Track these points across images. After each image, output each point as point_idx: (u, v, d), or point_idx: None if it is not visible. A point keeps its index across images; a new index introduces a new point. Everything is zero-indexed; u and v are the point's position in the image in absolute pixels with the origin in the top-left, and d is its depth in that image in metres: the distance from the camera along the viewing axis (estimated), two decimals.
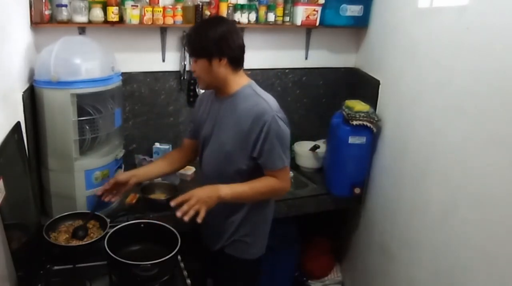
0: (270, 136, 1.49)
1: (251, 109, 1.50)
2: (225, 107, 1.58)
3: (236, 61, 1.54)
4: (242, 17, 2.24)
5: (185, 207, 1.43)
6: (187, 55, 2.29)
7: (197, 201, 1.45)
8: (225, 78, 1.54)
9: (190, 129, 1.81)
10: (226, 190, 1.50)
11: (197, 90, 2.36)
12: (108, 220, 1.69)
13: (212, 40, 1.47)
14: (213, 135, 1.62)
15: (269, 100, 1.54)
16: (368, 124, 2.15)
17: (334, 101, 2.46)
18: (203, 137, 1.66)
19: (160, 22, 2.10)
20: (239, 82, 1.56)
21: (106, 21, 2.02)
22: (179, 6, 2.12)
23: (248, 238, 1.68)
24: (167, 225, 1.57)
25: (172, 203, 1.46)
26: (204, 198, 1.46)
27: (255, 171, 1.56)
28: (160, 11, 2.08)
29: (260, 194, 1.58)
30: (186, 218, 1.42)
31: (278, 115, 1.50)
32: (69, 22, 1.98)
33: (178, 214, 1.43)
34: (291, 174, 2.42)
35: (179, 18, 2.13)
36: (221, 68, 1.51)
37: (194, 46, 1.53)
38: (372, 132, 2.18)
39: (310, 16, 2.34)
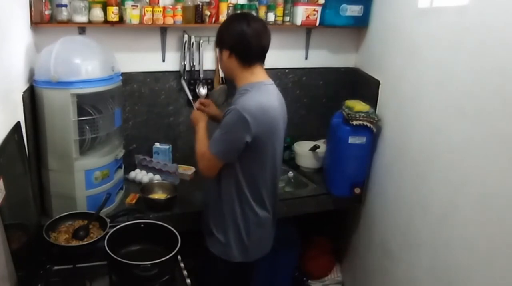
0: (222, 122, 1.56)
1: (232, 103, 1.58)
2: (232, 100, 1.64)
3: (245, 58, 1.58)
4: None
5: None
6: (187, 55, 2.29)
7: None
8: (233, 71, 1.61)
9: None
10: (200, 125, 1.72)
11: (197, 90, 2.37)
12: (108, 220, 1.70)
13: (226, 33, 1.58)
14: None
15: (248, 100, 1.54)
16: (368, 124, 2.15)
17: (334, 101, 2.46)
18: None
19: (160, 22, 2.10)
20: (249, 78, 1.60)
21: (106, 21, 2.02)
22: (179, 6, 2.12)
23: (220, 235, 1.69)
24: (167, 225, 1.58)
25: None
26: (193, 117, 1.78)
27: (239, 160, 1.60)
28: (160, 11, 2.08)
29: (197, 144, 1.67)
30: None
31: (240, 110, 1.50)
32: (69, 22, 1.98)
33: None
34: (291, 174, 2.44)
35: (179, 18, 2.13)
36: (230, 61, 1.59)
37: (216, 35, 1.64)
38: (372, 132, 2.18)
39: (310, 16, 2.34)
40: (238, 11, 2.23)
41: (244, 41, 1.55)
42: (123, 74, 1.98)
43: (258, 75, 1.62)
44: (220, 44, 1.62)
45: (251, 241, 1.70)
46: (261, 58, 1.63)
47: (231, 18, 1.66)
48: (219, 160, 1.58)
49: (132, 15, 2.04)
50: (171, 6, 2.12)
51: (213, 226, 1.71)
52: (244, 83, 1.60)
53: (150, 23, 2.08)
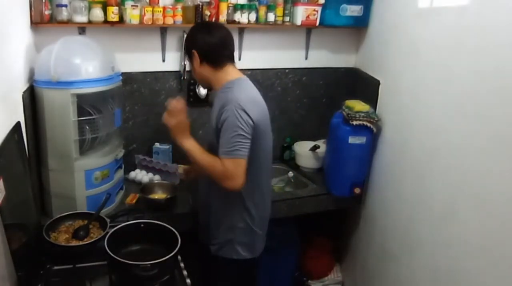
0: (224, 125, 1.53)
1: (222, 103, 1.57)
2: (214, 103, 1.67)
3: (216, 62, 1.63)
4: (242, 17, 2.24)
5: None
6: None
7: (172, 123, 1.62)
8: (208, 76, 1.65)
9: None
10: (187, 144, 1.61)
11: (197, 90, 2.37)
12: (108, 220, 1.70)
13: (192, 44, 1.64)
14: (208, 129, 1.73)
15: (237, 94, 1.56)
16: (368, 124, 2.15)
17: (334, 101, 2.46)
18: None
19: (160, 22, 2.10)
20: (225, 78, 1.64)
21: (106, 21, 2.02)
22: (179, 6, 2.12)
23: (228, 236, 1.72)
24: (167, 225, 1.57)
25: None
26: (174, 129, 1.62)
27: None
28: (160, 11, 2.08)
29: (204, 166, 1.59)
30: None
31: (237, 106, 1.51)
32: (69, 22, 1.98)
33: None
34: (291, 174, 2.44)
35: (179, 18, 2.13)
36: (202, 68, 1.64)
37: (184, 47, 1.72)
38: (372, 132, 2.18)
39: (310, 16, 2.34)
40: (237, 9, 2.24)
41: (211, 49, 1.61)
42: (123, 74, 1.98)
43: (232, 73, 1.66)
44: (189, 55, 1.66)
45: (257, 235, 1.73)
46: (231, 59, 1.67)
47: (194, 30, 1.69)
48: (245, 159, 1.55)
49: (132, 15, 2.04)
50: (171, 6, 2.12)
51: (220, 228, 1.71)
52: (223, 83, 1.64)
53: (150, 23, 2.08)
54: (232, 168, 1.52)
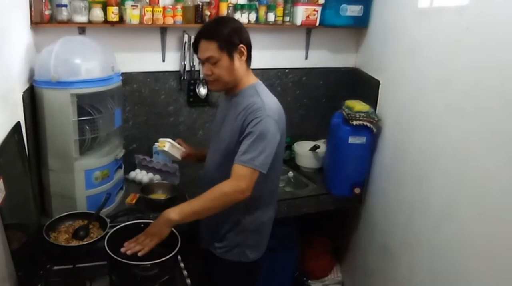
0: (253, 131, 1.47)
1: (248, 107, 1.52)
2: (232, 106, 1.60)
3: (250, 58, 1.59)
4: (242, 17, 2.24)
5: (131, 244, 1.43)
6: (187, 55, 2.29)
7: (145, 237, 1.45)
8: (241, 75, 1.57)
9: None
10: (174, 213, 1.45)
11: (197, 90, 2.37)
12: (108, 220, 1.70)
13: (231, 33, 1.51)
14: (218, 132, 1.66)
15: (267, 102, 1.53)
16: (368, 124, 2.15)
17: (334, 101, 2.46)
18: (212, 135, 1.74)
19: (160, 22, 2.10)
20: (248, 80, 1.60)
21: (106, 21, 2.02)
22: (179, 6, 2.12)
23: (236, 238, 1.68)
24: None
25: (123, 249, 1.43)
26: (154, 231, 1.45)
27: None
28: (160, 11, 2.08)
29: (211, 201, 1.48)
30: (128, 252, 1.41)
31: (270, 115, 1.48)
32: (69, 22, 1.98)
33: (122, 249, 1.42)
34: (291, 174, 2.44)
35: (179, 18, 2.13)
36: (241, 63, 1.55)
37: (213, 44, 1.49)
38: (372, 132, 2.18)
39: (310, 16, 2.34)
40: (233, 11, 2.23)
41: (247, 37, 1.56)
42: (123, 74, 1.98)
43: (253, 75, 1.63)
44: (231, 50, 1.51)
45: (263, 236, 1.72)
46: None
47: (237, 24, 1.58)
48: (262, 171, 1.48)
49: (132, 15, 2.04)
50: (171, 6, 2.12)
51: (229, 231, 1.67)
52: (247, 85, 1.59)
53: (150, 23, 2.08)
54: (249, 177, 1.46)
